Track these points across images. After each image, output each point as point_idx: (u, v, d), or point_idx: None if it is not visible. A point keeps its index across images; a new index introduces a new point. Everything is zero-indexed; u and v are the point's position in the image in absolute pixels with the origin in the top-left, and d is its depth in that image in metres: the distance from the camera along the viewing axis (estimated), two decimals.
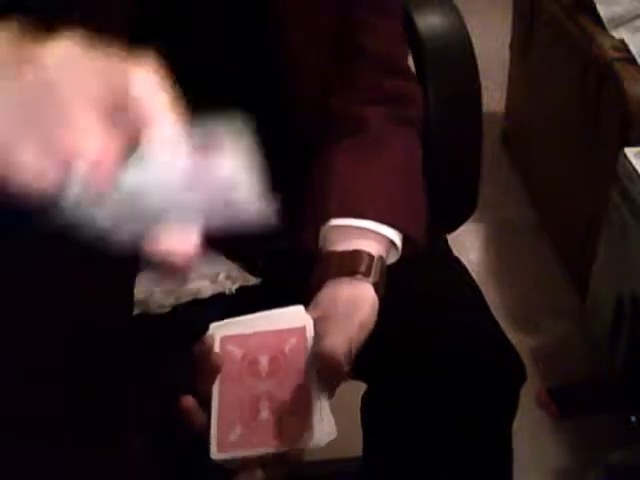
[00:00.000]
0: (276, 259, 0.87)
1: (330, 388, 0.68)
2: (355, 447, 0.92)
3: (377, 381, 0.83)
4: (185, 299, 0.87)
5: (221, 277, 0.89)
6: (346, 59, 0.83)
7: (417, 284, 0.80)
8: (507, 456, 0.87)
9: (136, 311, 0.86)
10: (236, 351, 0.69)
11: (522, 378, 0.83)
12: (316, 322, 0.70)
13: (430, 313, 0.79)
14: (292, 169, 0.87)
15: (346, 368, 0.68)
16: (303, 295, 0.75)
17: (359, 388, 0.88)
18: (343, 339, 0.67)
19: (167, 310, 0.86)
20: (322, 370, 0.66)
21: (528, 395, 1.54)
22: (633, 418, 1.41)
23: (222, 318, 0.84)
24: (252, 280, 0.89)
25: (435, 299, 0.81)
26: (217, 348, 0.69)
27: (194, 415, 0.67)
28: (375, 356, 0.72)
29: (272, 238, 0.85)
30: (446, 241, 0.94)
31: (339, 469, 1.19)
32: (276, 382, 0.68)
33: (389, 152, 0.80)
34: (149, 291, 0.87)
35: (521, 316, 1.66)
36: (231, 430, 0.66)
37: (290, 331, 0.70)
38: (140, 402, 0.82)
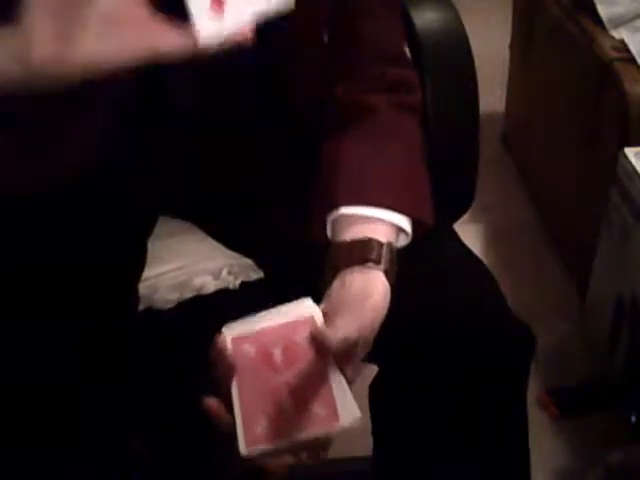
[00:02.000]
0: (281, 253, 0.87)
1: (347, 370, 0.69)
2: (366, 446, 0.92)
3: (389, 362, 0.83)
4: (189, 294, 0.87)
5: (224, 272, 0.89)
6: (347, 50, 0.84)
7: (425, 263, 0.80)
8: (523, 433, 0.87)
9: (141, 307, 0.86)
10: (249, 348, 0.70)
11: (532, 351, 0.83)
12: (326, 311, 0.71)
13: (438, 291, 0.80)
14: (295, 161, 0.87)
15: (360, 352, 0.70)
16: (308, 288, 0.75)
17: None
18: (352, 322, 0.68)
19: (171, 306, 0.87)
20: (335, 354, 0.67)
21: (528, 395, 1.53)
22: (633, 418, 1.41)
23: (226, 313, 0.84)
24: (255, 275, 0.89)
25: (443, 277, 0.81)
26: (229, 349, 0.69)
27: (219, 415, 0.67)
28: (387, 336, 0.72)
29: (278, 230, 0.86)
30: (453, 229, 0.94)
31: (350, 468, 1.19)
32: (293, 372, 0.68)
33: (394, 139, 0.81)
34: (154, 287, 0.87)
35: (521, 316, 1.66)
36: (256, 424, 0.67)
37: (299, 321, 0.70)
38: (142, 401, 0.82)
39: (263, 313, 0.72)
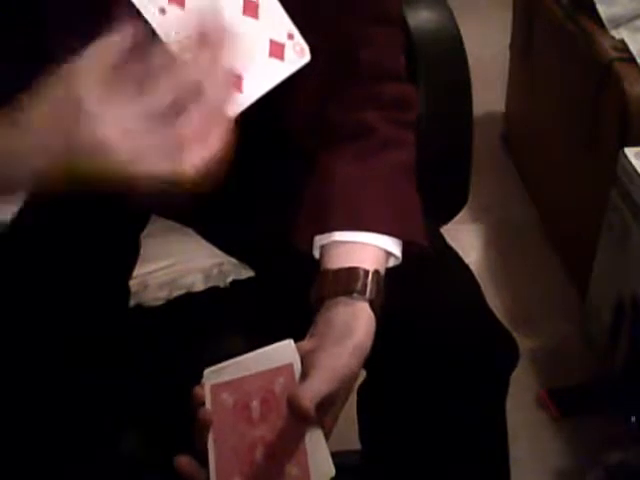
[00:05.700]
0: (271, 252, 0.87)
1: (326, 419, 0.67)
2: (353, 440, 0.92)
3: (376, 369, 0.83)
4: (179, 292, 0.87)
5: (214, 271, 0.89)
6: (345, 72, 0.82)
7: (409, 266, 0.80)
8: (503, 442, 0.88)
9: (131, 303, 0.87)
10: (228, 399, 0.69)
11: (514, 359, 0.83)
12: (307, 356, 0.69)
13: (422, 296, 0.79)
14: (286, 163, 0.87)
15: (341, 399, 0.68)
16: (297, 288, 0.75)
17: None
18: (331, 375, 0.67)
19: (161, 303, 0.87)
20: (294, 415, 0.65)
21: (528, 395, 1.54)
22: (633, 418, 1.41)
23: (216, 311, 0.83)
24: (245, 274, 0.89)
25: (428, 283, 0.81)
26: (208, 398, 0.69)
27: (192, 473, 0.66)
28: (376, 343, 0.72)
29: (268, 230, 0.86)
30: (441, 235, 0.94)
31: (339, 461, 1.18)
32: (269, 426, 0.66)
33: (390, 158, 0.80)
34: (143, 284, 0.87)
35: (521, 316, 1.66)
36: None
37: (278, 370, 0.69)
38: (135, 400, 0.82)
39: (246, 356, 0.70)
